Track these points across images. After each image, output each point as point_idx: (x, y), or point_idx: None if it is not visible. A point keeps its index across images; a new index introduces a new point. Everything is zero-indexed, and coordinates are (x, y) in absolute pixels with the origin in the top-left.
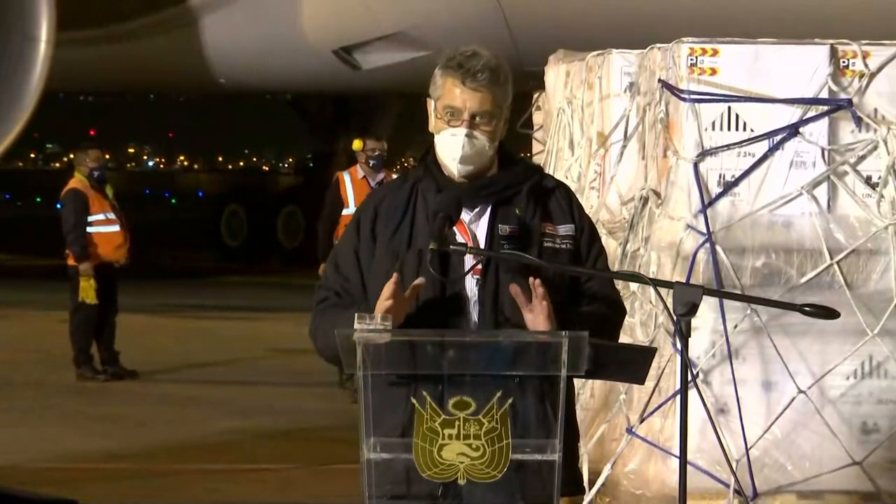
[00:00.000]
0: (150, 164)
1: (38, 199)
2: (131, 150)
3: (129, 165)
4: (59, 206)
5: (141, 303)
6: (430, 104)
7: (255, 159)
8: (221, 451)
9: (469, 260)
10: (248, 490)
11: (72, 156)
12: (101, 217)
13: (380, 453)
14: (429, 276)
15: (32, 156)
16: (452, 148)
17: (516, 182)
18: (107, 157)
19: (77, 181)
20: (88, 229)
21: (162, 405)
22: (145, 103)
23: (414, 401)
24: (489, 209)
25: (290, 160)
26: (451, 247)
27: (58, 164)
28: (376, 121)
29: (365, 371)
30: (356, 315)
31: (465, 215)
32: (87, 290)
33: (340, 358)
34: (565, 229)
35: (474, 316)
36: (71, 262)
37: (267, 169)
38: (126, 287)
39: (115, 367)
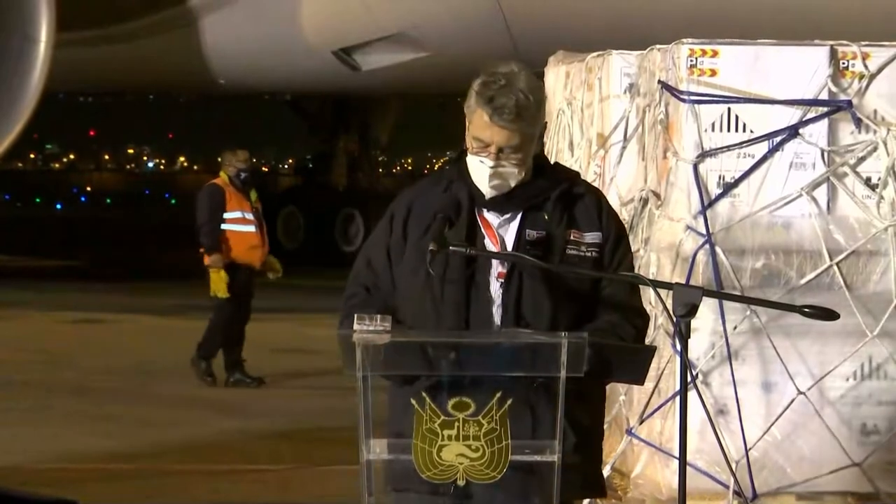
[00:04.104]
0: (150, 165)
1: (38, 200)
2: (131, 151)
3: (128, 166)
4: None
5: (141, 303)
6: (467, 118)
7: (254, 160)
8: (222, 452)
9: (495, 264)
10: (249, 490)
11: (72, 156)
12: (237, 215)
13: (379, 454)
14: (456, 276)
15: (32, 156)
16: (481, 174)
17: (547, 188)
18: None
19: (219, 179)
20: (223, 226)
21: (162, 405)
22: (145, 104)
23: (413, 402)
24: (520, 215)
25: (290, 160)
26: (450, 247)
27: (57, 165)
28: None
29: (364, 372)
30: (356, 315)
31: (495, 219)
32: (218, 283)
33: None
34: (592, 237)
35: (497, 318)
36: (206, 260)
37: (267, 169)
38: (126, 288)
39: (239, 375)
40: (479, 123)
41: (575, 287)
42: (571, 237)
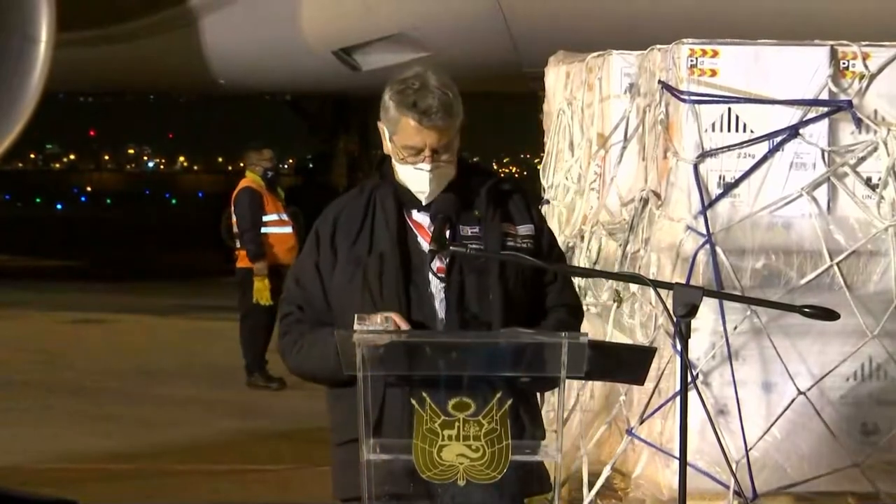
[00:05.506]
0: (150, 164)
1: (38, 200)
2: (131, 151)
3: (128, 166)
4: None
5: (142, 303)
6: (384, 132)
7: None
8: (222, 452)
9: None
10: (249, 490)
11: (72, 156)
12: (275, 217)
13: (379, 454)
14: (393, 277)
15: (32, 156)
16: (419, 182)
17: (476, 185)
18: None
19: (250, 181)
20: (263, 230)
21: (162, 405)
22: (145, 104)
23: (413, 402)
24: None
25: (290, 160)
26: (450, 248)
27: (58, 165)
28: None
29: (365, 372)
30: (356, 316)
31: (425, 219)
32: (262, 291)
33: (316, 377)
34: (525, 229)
35: (440, 314)
36: (240, 264)
37: None
38: (126, 288)
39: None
40: (408, 131)
41: (517, 278)
42: (507, 230)
